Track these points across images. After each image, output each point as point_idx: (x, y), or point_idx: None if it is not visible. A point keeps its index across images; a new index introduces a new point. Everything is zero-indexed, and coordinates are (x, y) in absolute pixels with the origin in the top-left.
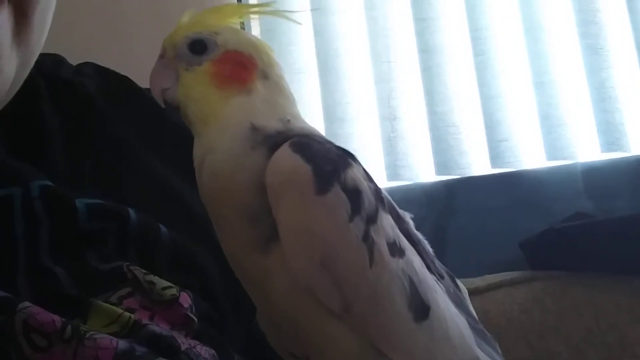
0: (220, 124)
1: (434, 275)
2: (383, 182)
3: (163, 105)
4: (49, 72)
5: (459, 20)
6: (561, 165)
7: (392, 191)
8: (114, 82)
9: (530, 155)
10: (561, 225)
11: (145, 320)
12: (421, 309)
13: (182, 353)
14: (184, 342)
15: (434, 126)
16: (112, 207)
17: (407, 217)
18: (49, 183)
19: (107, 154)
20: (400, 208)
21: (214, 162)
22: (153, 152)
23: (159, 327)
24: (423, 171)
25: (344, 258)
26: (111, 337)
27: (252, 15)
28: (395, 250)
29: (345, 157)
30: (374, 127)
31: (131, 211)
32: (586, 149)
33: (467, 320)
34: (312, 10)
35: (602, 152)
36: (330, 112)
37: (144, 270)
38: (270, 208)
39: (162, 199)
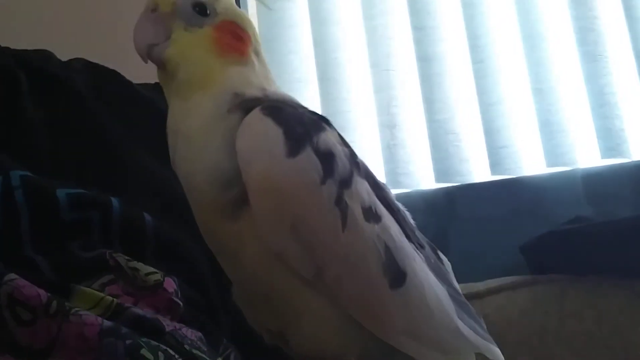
0: (209, 89)
1: (413, 244)
2: None
3: (145, 62)
4: (35, 66)
5: (458, 29)
6: (561, 172)
7: None
8: (102, 77)
9: (530, 162)
10: (561, 228)
11: (128, 304)
12: (397, 275)
13: (168, 334)
14: (169, 325)
15: (434, 134)
16: (95, 196)
17: (387, 187)
18: (29, 173)
19: (94, 146)
20: None
21: (190, 126)
22: (141, 144)
23: (143, 311)
24: (423, 179)
25: (315, 221)
26: (96, 315)
27: None
28: (371, 215)
29: (319, 121)
30: (373, 135)
31: (114, 200)
32: (586, 155)
33: (447, 290)
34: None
35: (602, 158)
36: (331, 120)
37: (126, 257)
38: (241, 172)
39: (150, 190)
